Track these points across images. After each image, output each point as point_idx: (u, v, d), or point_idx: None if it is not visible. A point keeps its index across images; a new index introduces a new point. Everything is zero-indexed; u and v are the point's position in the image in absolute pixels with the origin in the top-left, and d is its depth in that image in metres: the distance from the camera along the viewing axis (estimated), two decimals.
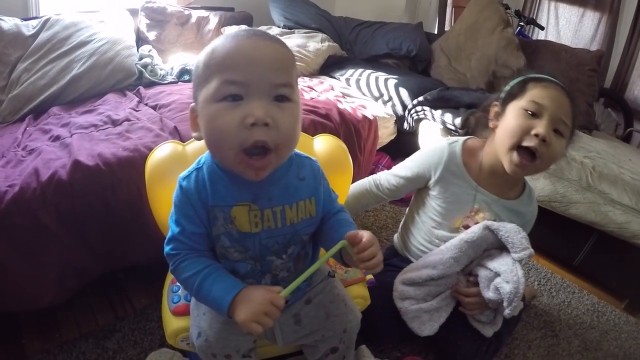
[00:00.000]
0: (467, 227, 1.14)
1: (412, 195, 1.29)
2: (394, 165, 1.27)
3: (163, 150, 0.97)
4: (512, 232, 1.06)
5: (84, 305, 1.25)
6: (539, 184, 1.68)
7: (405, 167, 1.21)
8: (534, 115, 1.01)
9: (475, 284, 1.10)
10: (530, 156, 1.01)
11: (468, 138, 1.19)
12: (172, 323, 0.91)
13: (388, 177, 1.23)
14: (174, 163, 0.95)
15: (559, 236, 1.75)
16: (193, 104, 0.75)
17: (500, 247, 1.10)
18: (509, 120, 1.04)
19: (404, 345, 1.23)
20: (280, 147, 0.69)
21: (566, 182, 1.65)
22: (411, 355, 1.20)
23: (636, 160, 1.95)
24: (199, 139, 0.75)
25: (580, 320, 1.46)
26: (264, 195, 0.77)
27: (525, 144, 1.00)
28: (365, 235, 0.75)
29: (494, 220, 1.11)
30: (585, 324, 1.44)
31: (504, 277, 1.03)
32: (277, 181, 0.78)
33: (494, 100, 1.13)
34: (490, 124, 1.12)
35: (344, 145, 1.10)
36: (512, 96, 1.07)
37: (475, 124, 1.22)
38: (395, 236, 1.36)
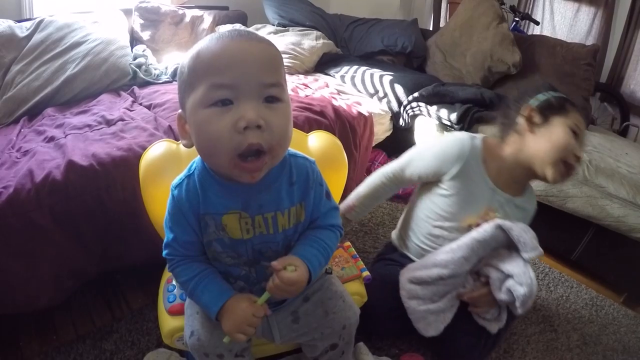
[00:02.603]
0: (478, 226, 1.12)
1: (410, 191, 1.28)
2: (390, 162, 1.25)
3: (157, 149, 0.97)
4: (523, 232, 1.06)
5: (80, 306, 1.25)
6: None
7: (421, 158, 1.17)
8: (576, 136, 1.07)
9: (484, 284, 1.10)
10: (569, 170, 1.08)
11: (485, 136, 1.17)
12: (168, 323, 0.91)
13: (396, 168, 1.20)
14: (168, 161, 0.95)
15: (557, 231, 1.74)
16: (180, 111, 0.73)
17: (508, 247, 1.09)
18: (559, 135, 1.07)
19: (402, 342, 1.23)
20: (274, 148, 0.68)
21: None
22: (409, 352, 1.20)
23: (633, 154, 1.95)
24: (188, 146, 0.73)
25: (578, 314, 1.46)
26: (254, 202, 0.75)
27: (569, 161, 1.06)
28: (289, 276, 0.73)
29: (504, 220, 1.10)
30: (584, 318, 1.44)
31: (517, 279, 1.03)
32: (267, 187, 0.76)
33: (524, 104, 1.12)
34: (520, 128, 1.11)
35: (339, 142, 1.09)
36: (552, 109, 1.09)
37: (503, 123, 1.18)
38: (394, 233, 1.35)
